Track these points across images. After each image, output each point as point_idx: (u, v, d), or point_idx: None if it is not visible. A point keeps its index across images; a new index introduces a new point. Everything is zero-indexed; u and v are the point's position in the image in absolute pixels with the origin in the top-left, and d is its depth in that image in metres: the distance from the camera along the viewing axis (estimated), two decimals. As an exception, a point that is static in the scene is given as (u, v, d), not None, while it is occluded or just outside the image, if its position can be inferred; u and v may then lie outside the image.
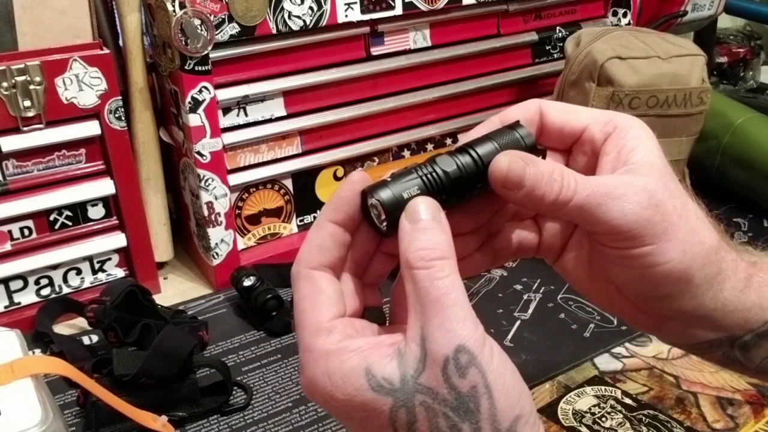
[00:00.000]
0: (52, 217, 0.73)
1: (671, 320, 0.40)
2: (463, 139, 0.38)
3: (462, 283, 0.32)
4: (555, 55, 0.99)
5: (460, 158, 0.36)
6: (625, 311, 0.41)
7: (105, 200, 0.75)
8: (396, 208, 0.34)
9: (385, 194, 0.34)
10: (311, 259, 0.36)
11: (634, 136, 0.38)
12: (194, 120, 0.74)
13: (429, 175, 0.35)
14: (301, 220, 0.88)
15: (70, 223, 0.74)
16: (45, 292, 0.75)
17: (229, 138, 0.78)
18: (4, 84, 0.65)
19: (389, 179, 0.35)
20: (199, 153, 0.75)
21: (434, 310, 0.31)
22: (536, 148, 0.38)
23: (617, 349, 0.66)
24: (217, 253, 0.80)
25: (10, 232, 0.72)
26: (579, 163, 0.40)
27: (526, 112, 0.39)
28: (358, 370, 0.31)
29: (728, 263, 0.38)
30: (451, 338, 0.31)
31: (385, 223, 0.35)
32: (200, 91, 0.73)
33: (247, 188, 0.82)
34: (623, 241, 0.36)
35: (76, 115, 0.70)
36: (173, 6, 0.69)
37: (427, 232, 0.33)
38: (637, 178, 0.36)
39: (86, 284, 0.77)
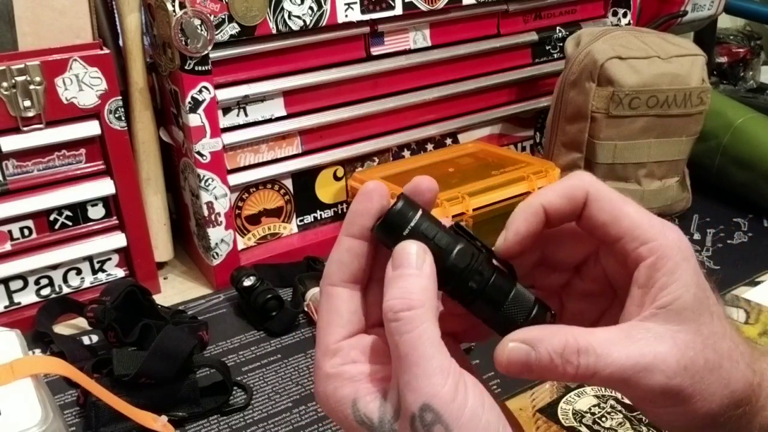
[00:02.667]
0: (52, 217, 0.73)
1: None
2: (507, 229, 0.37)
3: (434, 333, 0.32)
4: (555, 55, 0.99)
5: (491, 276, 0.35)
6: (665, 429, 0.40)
7: (105, 200, 0.75)
8: (399, 220, 0.33)
9: (404, 207, 0.33)
10: (332, 275, 0.36)
11: (671, 270, 0.34)
12: (194, 120, 0.74)
13: (452, 249, 0.34)
14: (301, 220, 0.88)
15: (70, 223, 0.74)
16: (45, 292, 0.75)
17: (229, 138, 0.78)
18: (5, 84, 0.65)
19: (423, 211, 0.34)
20: (199, 153, 0.75)
21: (403, 365, 0.31)
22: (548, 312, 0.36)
23: (617, 349, 0.66)
24: (217, 253, 0.80)
25: (10, 232, 0.72)
26: (606, 264, 0.38)
27: (570, 201, 0.36)
28: (347, 400, 0.33)
29: (761, 395, 0.37)
30: (416, 397, 0.31)
31: (377, 222, 0.34)
32: (200, 91, 0.73)
33: (247, 188, 0.82)
34: (651, 403, 0.35)
35: (76, 115, 0.70)
36: (173, 6, 0.69)
37: (403, 278, 0.32)
38: (665, 338, 0.33)
39: (86, 284, 0.77)
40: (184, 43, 0.70)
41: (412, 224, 0.33)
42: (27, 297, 0.74)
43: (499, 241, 0.37)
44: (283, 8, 0.74)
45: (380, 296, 0.34)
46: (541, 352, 0.33)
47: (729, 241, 0.85)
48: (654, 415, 0.37)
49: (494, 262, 0.36)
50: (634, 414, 0.57)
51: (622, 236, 0.35)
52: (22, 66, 0.66)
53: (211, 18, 0.70)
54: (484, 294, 0.35)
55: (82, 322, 0.72)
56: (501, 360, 0.34)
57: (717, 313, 0.35)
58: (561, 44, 0.97)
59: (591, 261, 0.39)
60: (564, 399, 0.59)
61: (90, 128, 0.71)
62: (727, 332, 0.36)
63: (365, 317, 0.36)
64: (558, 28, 0.98)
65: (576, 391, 0.60)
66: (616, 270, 0.37)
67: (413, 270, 0.33)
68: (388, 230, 0.33)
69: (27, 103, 0.67)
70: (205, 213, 0.78)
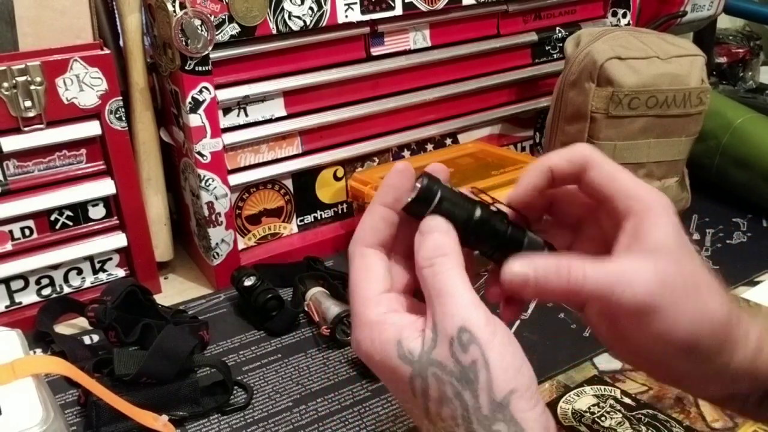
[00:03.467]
0: (52, 217, 0.73)
1: (687, 378, 0.43)
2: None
3: (463, 275, 0.38)
4: (555, 56, 1.00)
5: (505, 227, 0.42)
6: (643, 367, 0.46)
7: (105, 200, 0.75)
8: (429, 194, 0.40)
9: (430, 184, 0.40)
10: (365, 237, 0.42)
11: (654, 219, 0.41)
12: (195, 120, 0.74)
13: (469, 215, 0.41)
14: (301, 220, 0.88)
15: (70, 223, 0.75)
16: (46, 291, 0.75)
17: (230, 138, 0.78)
18: (5, 84, 0.66)
19: (448, 186, 0.42)
20: (199, 153, 0.75)
21: (439, 300, 0.37)
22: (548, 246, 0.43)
23: (617, 349, 0.66)
24: (217, 253, 0.80)
25: (11, 232, 0.72)
26: (601, 220, 0.44)
27: (572, 164, 0.43)
28: (392, 341, 0.38)
29: (738, 334, 0.41)
30: (454, 322, 0.37)
31: (412, 197, 0.40)
32: (200, 92, 0.73)
33: (247, 188, 0.82)
34: (635, 317, 0.39)
35: (76, 115, 0.70)
36: (174, 6, 0.69)
37: (432, 237, 0.39)
38: (647, 261, 0.39)
39: (87, 284, 0.77)
40: (184, 43, 0.70)
41: (438, 196, 0.40)
42: (28, 297, 0.74)
43: (511, 192, 0.44)
44: (283, 8, 0.75)
45: (402, 265, 0.42)
46: (539, 269, 0.39)
47: (728, 241, 0.85)
48: (635, 341, 0.41)
49: (508, 219, 0.42)
50: (634, 414, 0.57)
51: (615, 195, 0.42)
52: (23, 66, 0.66)
53: (212, 18, 0.71)
54: (503, 244, 0.42)
55: (82, 322, 0.72)
56: (506, 275, 0.40)
57: (697, 259, 0.41)
58: (561, 44, 0.97)
59: (590, 222, 0.45)
60: (563, 399, 0.60)
61: (90, 128, 0.71)
62: (707, 275, 0.41)
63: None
64: (558, 28, 0.98)
65: (575, 391, 0.60)
66: (609, 227, 0.42)
67: (442, 231, 0.39)
68: (422, 202, 0.40)
69: (28, 103, 0.67)
70: (206, 213, 0.78)
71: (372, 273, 0.41)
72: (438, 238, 0.39)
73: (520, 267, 0.40)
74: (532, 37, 0.96)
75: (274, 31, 0.75)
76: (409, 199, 0.40)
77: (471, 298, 0.38)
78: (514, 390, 0.36)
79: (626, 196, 0.42)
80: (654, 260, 0.39)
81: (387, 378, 0.39)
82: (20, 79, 0.66)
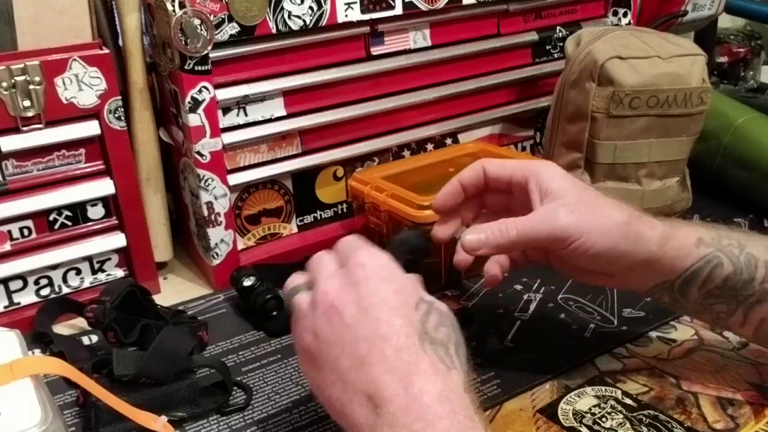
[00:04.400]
0: (51, 217, 0.73)
1: (629, 274, 0.56)
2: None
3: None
4: (555, 55, 0.99)
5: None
6: (595, 279, 0.59)
7: (104, 200, 0.75)
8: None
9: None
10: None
11: (546, 175, 0.56)
12: (194, 120, 0.74)
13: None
14: (301, 220, 0.88)
15: (69, 223, 0.74)
16: (44, 292, 0.75)
17: (229, 138, 0.78)
18: (4, 84, 0.65)
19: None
20: (198, 153, 0.75)
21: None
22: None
23: (617, 350, 0.66)
24: (216, 253, 0.80)
25: (9, 232, 0.72)
26: (517, 198, 0.59)
27: (476, 172, 0.60)
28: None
29: (643, 227, 0.54)
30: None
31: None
32: (200, 91, 0.73)
33: (246, 188, 0.82)
34: (562, 243, 0.54)
35: (75, 115, 0.70)
36: (173, 6, 0.69)
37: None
38: (556, 201, 0.55)
39: (86, 284, 0.77)
40: (183, 42, 0.70)
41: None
42: (26, 297, 0.74)
43: (433, 201, 0.63)
44: (282, 8, 0.74)
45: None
46: (487, 231, 0.55)
47: (729, 241, 0.85)
48: (573, 261, 0.56)
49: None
50: (635, 414, 0.57)
51: (511, 174, 0.58)
52: (22, 66, 0.66)
53: (211, 18, 0.70)
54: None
55: (81, 323, 0.71)
56: (465, 242, 0.56)
57: (591, 189, 0.56)
58: (561, 44, 0.97)
59: (512, 204, 0.60)
60: (564, 399, 0.59)
61: (90, 128, 0.71)
62: (602, 196, 0.55)
63: None
64: (558, 28, 0.98)
65: (576, 392, 0.60)
66: (523, 199, 0.57)
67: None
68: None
69: (26, 103, 0.67)
70: (205, 213, 0.78)
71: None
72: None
73: (474, 233, 0.55)
74: (533, 36, 0.96)
75: (274, 31, 0.75)
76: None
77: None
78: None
79: (517, 170, 0.58)
80: (559, 200, 0.54)
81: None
82: (19, 78, 0.66)
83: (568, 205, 0.54)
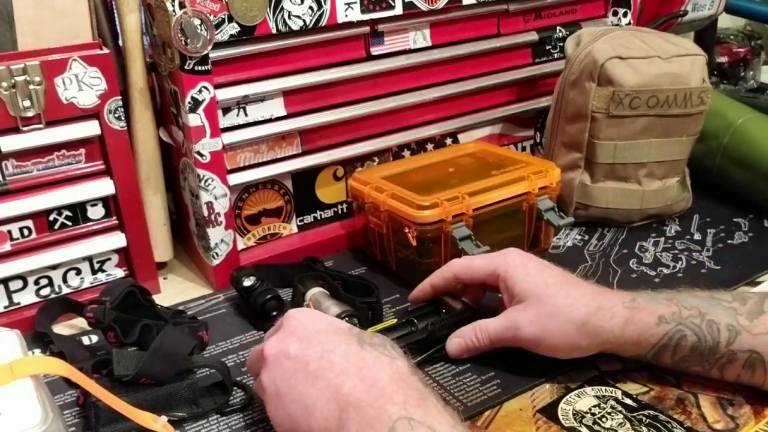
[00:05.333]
0: (51, 217, 0.73)
1: (601, 354, 0.61)
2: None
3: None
4: (555, 55, 0.99)
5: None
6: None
7: (105, 200, 0.75)
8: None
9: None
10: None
11: (512, 277, 0.62)
12: (194, 120, 0.74)
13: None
14: (300, 220, 0.88)
15: (69, 223, 0.74)
16: (45, 292, 0.75)
17: (229, 138, 0.78)
18: (4, 84, 0.65)
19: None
20: (198, 153, 0.75)
21: None
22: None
23: (617, 350, 0.66)
24: (216, 253, 0.80)
25: (9, 232, 0.72)
26: (497, 291, 0.65)
27: (445, 280, 0.67)
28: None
29: (602, 321, 0.58)
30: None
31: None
32: (200, 91, 0.73)
33: (246, 188, 0.82)
34: (528, 347, 0.61)
35: (75, 115, 0.70)
36: (173, 6, 0.69)
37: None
38: (521, 307, 0.61)
39: (86, 284, 0.77)
40: (183, 42, 0.70)
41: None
42: (26, 297, 0.74)
43: (410, 296, 0.70)
44: (283, 8, 0.74)
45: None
46: (466, 338, 0.63)
47: (729, 241, 0.85)
48: (538, 353, 0.61)
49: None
50: (635, 414, 0.57)
51: (482, 277, 0.64)
52: (22, 66, 0.66)
53: (211, 18, 0.70)
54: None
55: (81, 323, 0.71)
56: (450, 351, 0.64)
57: (552, 287, 0.60)
58: (561, 44, 0.97)
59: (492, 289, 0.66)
60: (564, 399, 0.59)
61: (90, 128, 0.71)
62: (561, 295, 0.59)
63: None
64: (558, 27, 0.98)
65: (576, 392, 0.60)
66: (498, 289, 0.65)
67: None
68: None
69: (26, 103, 0.67)
70: (205, 213, 0.78)
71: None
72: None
73: (455, 340, 0.64)
74: (533, 36, 0.96)
75: (274, 31, 0.75)
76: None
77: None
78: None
79: (485, 275, 0.64)
80: (523, 308, 0.60)
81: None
82: (19, 78, 0.66)
83: (528, 313, 0.60)
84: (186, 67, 0.72)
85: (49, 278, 0.75)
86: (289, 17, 0.75)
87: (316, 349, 0.50)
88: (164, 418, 0.56)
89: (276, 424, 0.51)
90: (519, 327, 0.60)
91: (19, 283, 0.73)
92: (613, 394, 0.60)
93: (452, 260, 0.66)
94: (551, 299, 0.59)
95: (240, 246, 0.83)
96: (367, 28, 0.82)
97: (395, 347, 0.51)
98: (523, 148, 1.04)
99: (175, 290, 0.82)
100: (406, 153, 0.92)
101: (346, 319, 0.64)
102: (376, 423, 0.44)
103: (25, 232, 0.72)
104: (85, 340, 0.71)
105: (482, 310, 0.67)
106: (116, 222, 0.77)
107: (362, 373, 0.47)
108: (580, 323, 0.58)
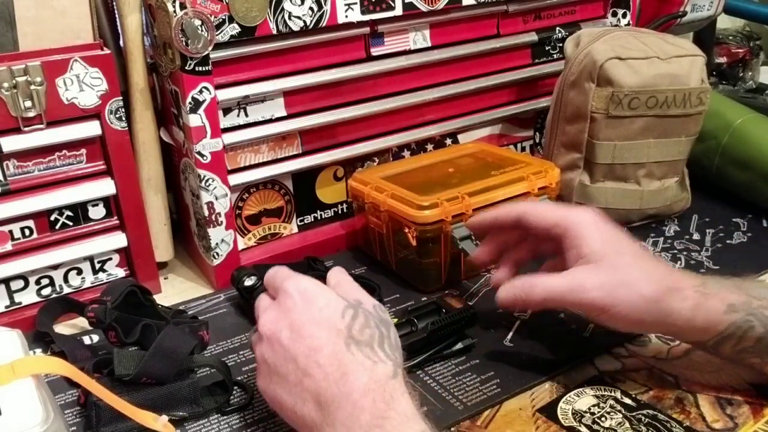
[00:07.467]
0: (52, 217, 0.73)
1: (661, 334, 0.63)
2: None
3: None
4: (555, 56, 1.00)
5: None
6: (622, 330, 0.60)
7: (105, 200, 0.75)
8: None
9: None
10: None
11: (581, 234, 0.58)
12: (195, 120, 0.74)
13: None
14: (301, 221, 0.88)
15: (70, 223, 0.75)
16: (46, 291, 0.75)
17: (230, 138, 0.78)
18: (5, 84, 0.66)
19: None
20: (199, 153, 0.75)
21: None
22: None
23: (617, 349, 0.66)
24: (217, 253, 0.80)
25: (10, 232, 0.72)
26: (555, 244, 0.61)
27: (512, 218, 0.63)
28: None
29: (674, 302, 0.55)
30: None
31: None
32: (201, 92, 0.73)
33: (247, 188, 0.82)
34: (588, 312, 0.58)
35: (76, 115, 0.70)
36: (174, 6, 0.69)
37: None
38: (588, 268, 0.57)
39: (87, 284, 0.77)
40: (184, 43, 0.70)
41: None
42: (28, 297, 0.74)
43: (470, 220, 0.70)
44: (283, 9, 0.75)
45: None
46: (516, 290, 0.59)
47: (728, 241, 0.85)
48: (596, 321, 0.58)
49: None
50: (634, 414, 0.57)
51: (550, 228, 0.60)
52: (23, 66, 0.66)
53: (212, 18, 0.71)
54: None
55: (82, 322, 0.72)
56: (499, 301, 0.61)
57: (627, 255, 0.57)
58: (561, 45, 0.97)
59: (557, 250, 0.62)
60: (563, 399, 0.60)
61: (91, 128, 0.71)
62: (635, 266, 0.56)
63: None
64: (558, 28, 0.98)
65: (575, 391, 0.60)
66: (561, 249, 0.60)
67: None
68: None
69: (28, 103, 0.67)
70: (206, 213, 0.78)
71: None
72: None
73: (506, 291, 0.60)
74: (532, 37, 0.96)
75: (274, 31, 0.75)
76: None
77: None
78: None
79: (555, 225, 0.59)
80: (591, 267, 0.56)
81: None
82: (20, 79, 0.66)
83: (599, 276, 0.56)
84: (187, 68, 0.72)
85: (51, 278, 0.75)
86: (289, 18, 0.75)
87: (305, 344, 0.50)
88: (165, 418, 0.56)
89: (262, 392, 0.53)
90: (586, 290, 0.55)
91: (20, 283, 0.74)
92: (613, 394, 0.60)
93: (521, 202, 0.63)
94: (625, 268, 0.56)
95: (240, 246, 0.83)
96: (367, 29, 0.82)
97: (384, 342, 0.51)
98: (523, 149, 1.04)
99: (175, 290, 0.82)
100: (406, 153, 0.92)
101: None
102: None
103: (27, 232, 0.73)
104: (86, 340, 0.71)
105: (480, 312, 0.67)
106: (117, 222, 0.77)
107: (343, 380, 0.48)
108: (652, 299, 0.55)
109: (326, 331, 0.50)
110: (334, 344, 0.49)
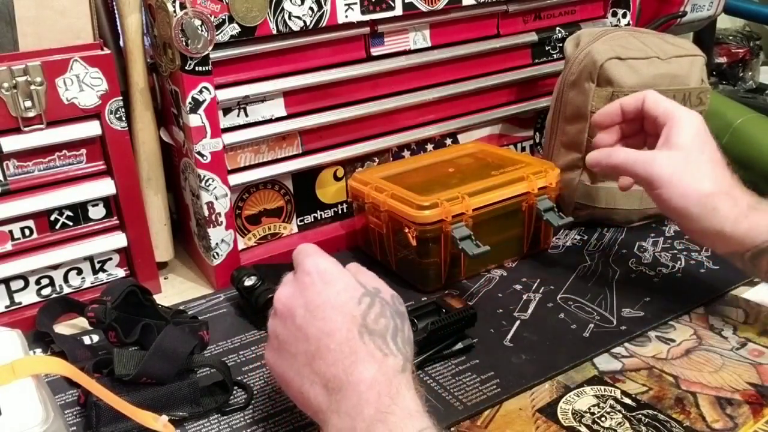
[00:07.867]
0: (52, 217, 0.73)
1: (703, 237, 0.65)
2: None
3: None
4: (555, 56, 1.00)
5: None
6: (682, 227, 0.67)
7: (105, 200, 0.75)
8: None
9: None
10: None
11: (682, 127, 0.66)
12: (195, 120, 0.74)
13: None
14: (301, 220, 0.88)
15: (70, 223, 0.75)
16: (46, 291, 0.75)
17: (230, 138, 0.78)
18: (5, 84, 0.66)
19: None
20: (199, 153, 0.75)
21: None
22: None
23: (617, 349, 0.66)
24: (217, 253, 0.80)
25: (11, 232, 0.72)
26: (650, 131, 0.70)
27: (636, 100, 0.70)
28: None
29: (724, 204, 0.62)
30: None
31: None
32: (201, 92, 0.73)
33: (247, 188, 0.82)
34: (647, 185, 0.66)
35: (76, 115, 0.70)
36: (174, 7, 0.69)
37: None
38: (668, 152, 0.65)
39: (87, 284, 0.77)
40: (184, 43, 0.70)
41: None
42: (28, 297, 0.75)
43: (595, 115, 0.75)
44: (283, 9, 0.75)
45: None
46: (602, 153, 0.70)
47: (728, 241, 0.85)
48: (651, 197, 0.66)
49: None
50: (634, 414, 0.57)
51: (659, 115, 0.68)
52: (23, 66, 0.66)
53: (212, 18, 0.71)
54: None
55: (82, 322, 0.72)
56: (588, 160, 0.71)
57: (706, 155, 0.64)
58: (561, 45, 0.97)
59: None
60: (563, 399, 0.60)
61: (91, 128, 0.71)
62: (707, 166, 0.64)
63: None
64: (558, 28, 0.98)
65: (575, 391, 0.60)
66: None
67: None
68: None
69: (28, 103, 0.67)
70: (206, 213, 0.78)
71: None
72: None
73: (592, 155, 0.70)
74: (532, 37, 0.96)
75: (274, 32, 0.75)
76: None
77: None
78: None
79: (664, 115, 0.67)
80: (671, 153, 0.64)
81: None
82: (20, 79, 0.66)
83: (672, 159, 0.64)
84: (187, 68, 0.72)
85: (51, 278, 0.75)
86: (289, 18, 0.75)
87: (318, 326, 0.49)
88: (165, 418, 0.56)
89: (270, 367, 0.54)
90: (655, 164, 0.64)
91: (20, 283, 0.74)
92: (612, 394, 0.60)
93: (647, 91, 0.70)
94: (697, 163, 0.63)
95: (240, 246, 0.83)
96: (367, 29, 0.82)
97: (398, 334, 0.50)
98: (523, 149, 1.04)
99: (175, 290, 0.82)
100: (406, 153, 0.92)
101: None
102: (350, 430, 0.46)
103: (27, 232, 0.73)
104: (86, 340, 0.71)
105: (480, 312, 0.67)
106: (117, 222, 0.77)
107: (351, 369, 0.47)
108: (705, 193, 0.62)
109: (341, 315, 0.50)
110: (348, 330, 0.49)
